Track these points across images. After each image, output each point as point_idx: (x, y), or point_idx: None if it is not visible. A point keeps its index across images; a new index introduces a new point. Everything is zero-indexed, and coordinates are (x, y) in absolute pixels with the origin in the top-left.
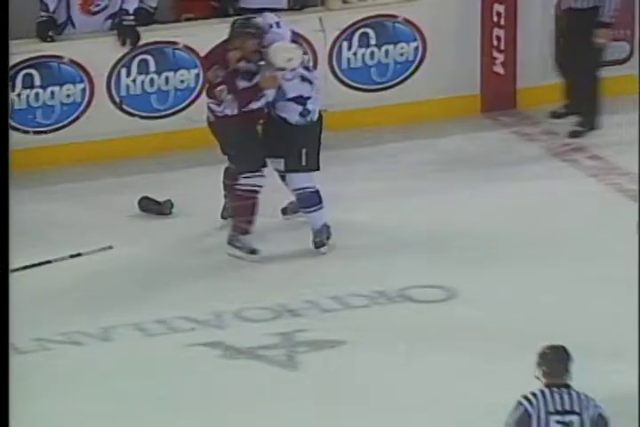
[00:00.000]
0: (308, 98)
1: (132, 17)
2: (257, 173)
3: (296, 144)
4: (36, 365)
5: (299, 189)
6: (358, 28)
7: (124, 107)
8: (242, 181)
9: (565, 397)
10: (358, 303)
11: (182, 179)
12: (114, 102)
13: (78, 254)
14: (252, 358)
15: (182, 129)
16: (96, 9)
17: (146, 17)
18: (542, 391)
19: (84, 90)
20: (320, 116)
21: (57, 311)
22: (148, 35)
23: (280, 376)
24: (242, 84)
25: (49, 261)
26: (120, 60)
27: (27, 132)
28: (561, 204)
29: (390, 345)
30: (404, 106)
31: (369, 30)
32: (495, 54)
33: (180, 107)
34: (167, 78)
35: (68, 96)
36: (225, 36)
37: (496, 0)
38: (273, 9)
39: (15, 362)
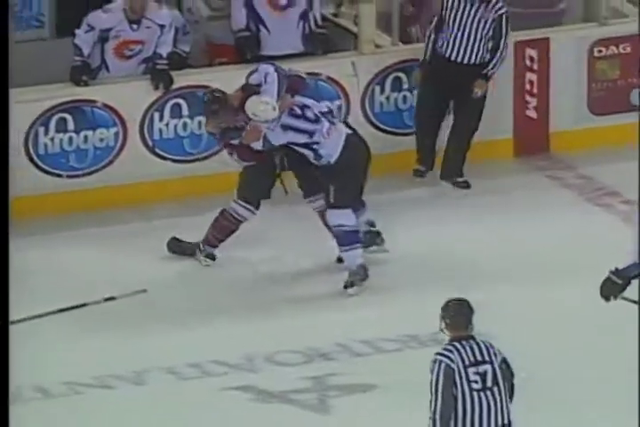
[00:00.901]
0: (312, 143)
1: (165, 61)
2: (247, 206)
3: (323, 182)
4: (67, 408)
5: (334, 226)
6: (391, 73)
7: (157, 151)
8: (233, 204)
9: (475, 347)
10: (390, 347)
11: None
12: (146, 146)
13: (112, 298)
14: (283, 402)
15: (215, 173)
16: (130, 53)
17: (179, 61)
18: (454, 346)
19: (117, 134)
20: (351, 156)
21: (89, 355)
22: (181, 79)
23: (312, 420)
24: (234, 141)
25: (85, 304)
26: (153, 104)
27: (60, 175)
28: (595, 248)
29: (421, 390)
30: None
31: (401, 74)
32: (528, 98)
33: (213, 151)
34: (200, 122)
35: (102, 140)
36: None
37: (528, 44)
38: (292, 55)
39: (45, 405)
